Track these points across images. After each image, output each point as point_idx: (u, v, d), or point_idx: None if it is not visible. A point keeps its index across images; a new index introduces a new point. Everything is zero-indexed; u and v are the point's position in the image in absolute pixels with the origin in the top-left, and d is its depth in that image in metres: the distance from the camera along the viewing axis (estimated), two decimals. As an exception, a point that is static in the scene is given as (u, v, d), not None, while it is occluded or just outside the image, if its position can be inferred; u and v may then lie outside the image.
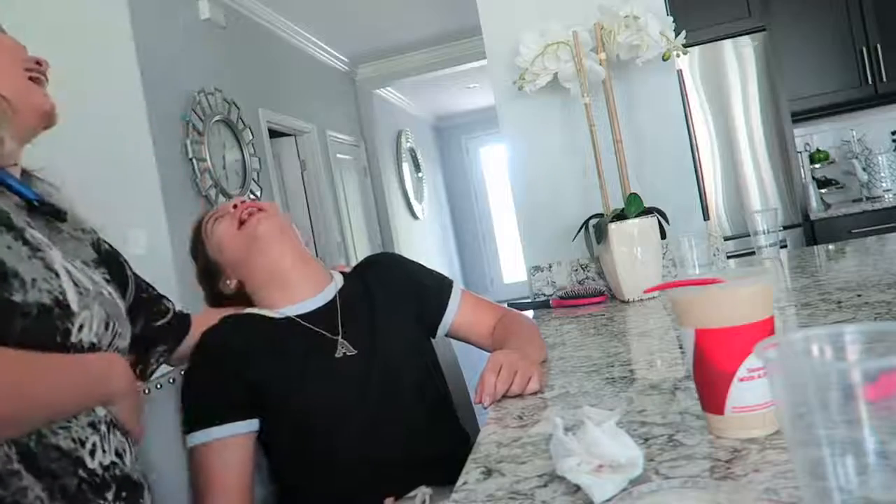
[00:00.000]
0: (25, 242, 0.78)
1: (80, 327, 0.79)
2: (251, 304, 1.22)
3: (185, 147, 3.04)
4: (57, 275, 0.78)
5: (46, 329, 0.74)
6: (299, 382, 1.09)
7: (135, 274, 1.10)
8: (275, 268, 1.19)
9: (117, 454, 0.81)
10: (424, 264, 1.35)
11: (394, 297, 1.23)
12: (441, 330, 1.28)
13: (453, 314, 1.26)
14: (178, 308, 1.17)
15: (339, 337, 1.15)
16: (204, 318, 1.18)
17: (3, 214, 0.79)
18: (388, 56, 5.59)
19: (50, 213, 0.89)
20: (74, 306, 0.79)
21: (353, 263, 1.57)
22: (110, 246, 1.07)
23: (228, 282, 1.22)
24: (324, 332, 1.15)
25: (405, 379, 1.14)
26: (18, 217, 0.82)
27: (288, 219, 1.27)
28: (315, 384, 1.09)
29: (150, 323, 1.09)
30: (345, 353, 1.13)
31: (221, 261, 1.21)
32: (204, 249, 1.23)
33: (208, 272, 1.24)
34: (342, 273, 1.30)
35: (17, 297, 0.72)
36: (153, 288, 1.14)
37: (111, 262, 1.03)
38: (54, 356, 0.76)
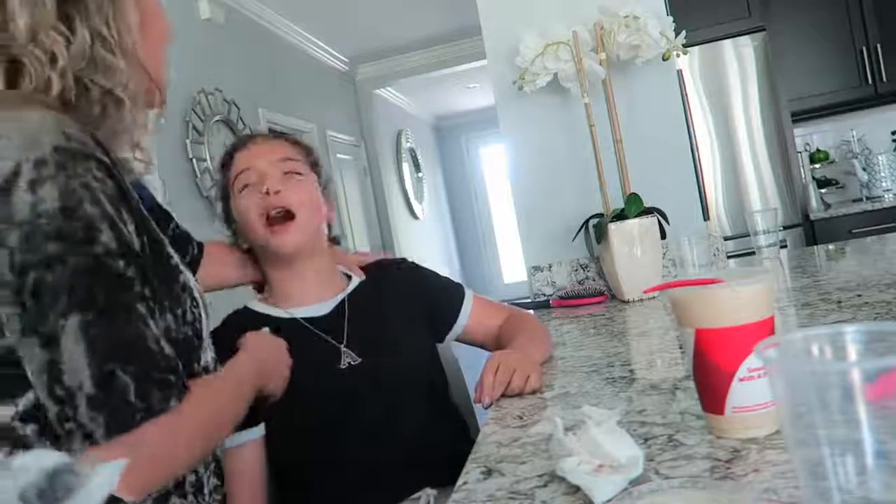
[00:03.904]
0: (179, 272, 0.77)
1: (206, 350, 0.80)
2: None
3: (186, 147, 3.04)
4: (196, 303, 0.78)
5: (189, 362, 0.75)
6: (302, 392, 1.07)
7: (174, 219, 1.11)
8: (293, 277, 1.17)
9: None
10: (435, 271, 1.34)
11: (405, 304, 1.21)
12: (451, 336, 1.27)
13: (464, 322, 1.26)
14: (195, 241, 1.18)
15: (343, 345, 1.13)
16: (213, 256, 1.18)
17: (162, 247, 0.76)
18: (388, 56, 5.59)
19: (161, 218, 0.88)
20: (204, 333, 0.80)
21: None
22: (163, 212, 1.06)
23: (241, 242, 1.21)
24: (328, 339, 1.13)
25: (410, 385, 1.13)
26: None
27: (318, 220, 1.19)
28: (319, 394, 1.08)
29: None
30: (349, 364, 1.11)
31: (239, 229, 1.19)
32: (228, 197, 1.19)
33: (227, 214, 1.21)
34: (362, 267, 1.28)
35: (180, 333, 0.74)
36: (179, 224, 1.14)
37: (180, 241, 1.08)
38: (237, 372, 0.85)
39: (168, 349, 0.67)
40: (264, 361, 0.96)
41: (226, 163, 1.21)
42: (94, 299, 0.63)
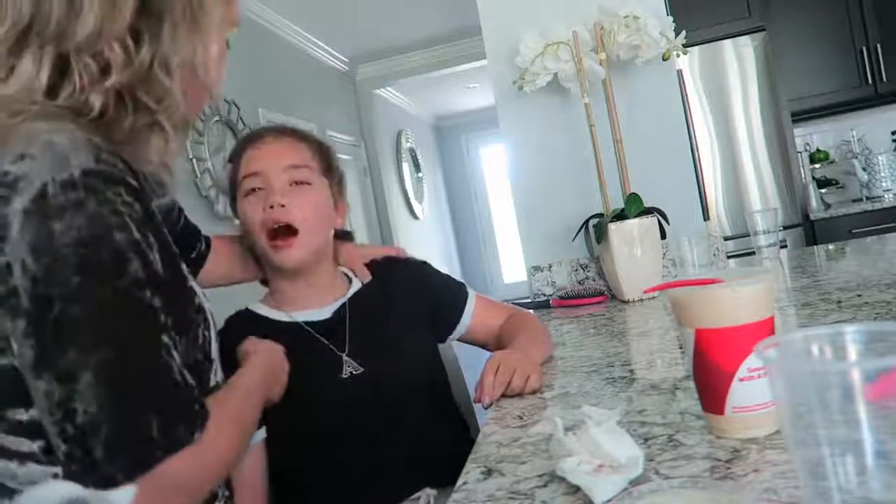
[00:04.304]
0: (194, 294, 0.74)
1: (215, 371, 0.77)
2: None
3: (185, 147, 3.04)
4: (207, 325, 0.75)
5: (199, 385, 0.71)
6: (304, 399, 1.06)
7: (183, 213, 1.08)
8: (295, 283, 1.16)
9: None
10: (437, 269, 1.32)
11: (408, 302, 1.21)
12: (453, 336, 1.27)
13: (467, 322, 1.25)
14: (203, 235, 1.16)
15: (345, 354, 1.12)
16: (219, 252, 1.17)
17: (179, 269, 0.72)
18: (388, 56, 5.58)
19: (170, 213, 0.84)
20: (213, 353, 0.77)
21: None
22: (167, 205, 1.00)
23: (244, 239, 1.18)
24: (330, 346, 1.12)
25: (412, 389, 1.12)
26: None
27: (323, 233, 1.16)
28: (320, 402, 1.08)
29: (187, 256, 1.07)
30: (351, 373, 1.10)
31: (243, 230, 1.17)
32: (234, 195, 1.16)
33: (234, 210, 1.19)
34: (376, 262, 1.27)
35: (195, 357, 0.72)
36: (188, 218, 1.11)
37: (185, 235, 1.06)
38: (246, 384, 0.83)
39: (189, 378, 0.65)
40: (268, 370, 0.95)
41: (234, 158, 1.17)
42: (120, 334, 0.60)
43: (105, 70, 0.65)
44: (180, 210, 1.08)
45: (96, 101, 0.64)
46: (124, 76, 0.65)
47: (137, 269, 0.61)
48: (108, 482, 0.58)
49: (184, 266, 0.74)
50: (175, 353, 0.64)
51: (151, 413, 0.60)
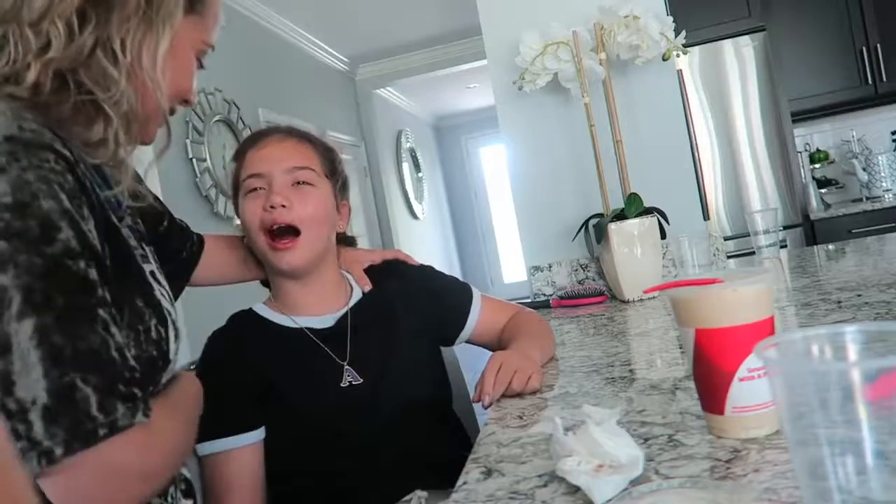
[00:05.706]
0: (149, 287, 0.70)
1: (169, 373, 0.74)
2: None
3: (185, 147, 3.04)
4: (163, 322, 0.71)
5: (150, 382, 0.69)
6: (302, 405, 1.07)
7: (168, 214, 1.05)
8: (297, 287, 1.15)
9: None
10: (441, 271, 1.31)
11: (412, 310, 1.19)
12: (460, 339, 1.25)
13: (474, 325, 1.24)
14: (194, 236, 1.14)
15: (346, 363, 1.11)
16: (213, 252, 1.15)
17: (128, 258, 0.69)
18: (388, 56, 5.58)
19: (150, 214, 0.79)
20: (171, 355, 0.74)
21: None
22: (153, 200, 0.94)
23: (245, 239, 1.17)
24: (331, 354, 1.11)
25: (412, 399, 1.12)
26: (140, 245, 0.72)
27: (325, 234, 1.14)
28: (318, 409, 1.07)
29: (177, 257, 1.06)
30: (350, 383, 1.09)
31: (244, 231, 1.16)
32: (237, 195, 1.15)
33: (236, 209, 1.17)
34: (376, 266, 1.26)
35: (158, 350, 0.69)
36: (175, 219, 1.09)
37: (169, 235, 1.03)
38: (180, 399, 0.76)
39: (131, 360, 0.62)
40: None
41: (237, 158, 1.16)
42: (52, 303, 0.57)
43: (45, 47, 0.63)
44: (161, 205, 1.04)
45: (30, 75, 0.63)
46: (64, 55, 0.64)
47: (69, 237, 0.59)
48: (48, 458, 0.55)
49: (140, 260, 0.72)
50: (115, 330, 0.61)
51: (88, 387, 0.57)
